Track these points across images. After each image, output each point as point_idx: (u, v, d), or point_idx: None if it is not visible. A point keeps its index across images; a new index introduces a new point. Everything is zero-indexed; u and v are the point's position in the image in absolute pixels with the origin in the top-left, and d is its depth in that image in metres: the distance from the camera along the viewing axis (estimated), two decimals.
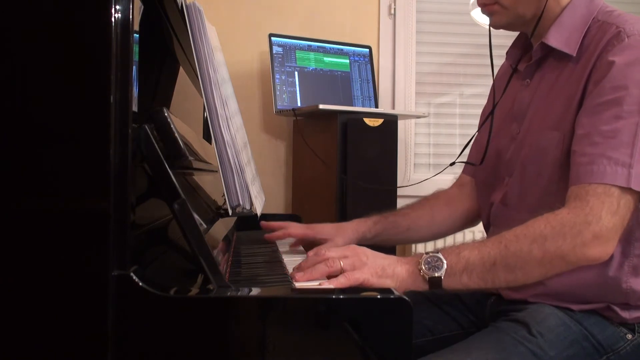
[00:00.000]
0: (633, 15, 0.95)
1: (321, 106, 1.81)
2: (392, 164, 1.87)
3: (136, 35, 0.66)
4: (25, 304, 0.63)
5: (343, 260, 0.86)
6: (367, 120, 1.82)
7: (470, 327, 1.11)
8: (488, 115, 1.13)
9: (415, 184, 1.71)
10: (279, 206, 2.33)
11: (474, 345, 0.91)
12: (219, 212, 1.12)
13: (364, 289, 0.82)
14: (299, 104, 2.11)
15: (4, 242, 0.62)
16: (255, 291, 0.71)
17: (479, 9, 1.08)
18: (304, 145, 2.03)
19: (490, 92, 1.20)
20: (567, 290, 0.96)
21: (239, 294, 0.69)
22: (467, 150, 1.25)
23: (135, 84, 0.66)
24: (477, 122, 1.29)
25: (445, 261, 0.86)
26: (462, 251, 0.87)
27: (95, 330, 0.63)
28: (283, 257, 1.10)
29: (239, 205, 0.82)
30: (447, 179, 1.34)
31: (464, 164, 1.26)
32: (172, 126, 0.76)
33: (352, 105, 2.20)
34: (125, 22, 0.64)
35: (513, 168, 1.04)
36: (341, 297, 0.68)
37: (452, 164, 1.22)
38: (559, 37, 0.99)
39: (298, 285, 0.86)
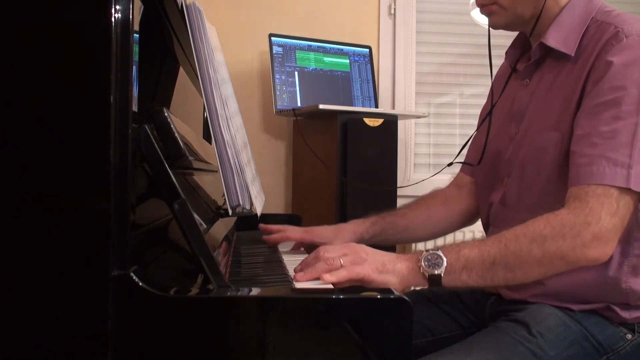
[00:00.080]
0: (632, 15, 0.95)
1: (321, 106, 1.81)
2: (392, 164, 1.87)
3: (136, 35, 0.66)
4: (26, 304, 0.63)
5: (343, 258, 0.86)
6: (367, 120, 1.82)
7: (470, 327, 1.11)
8: (486, 116, 1.13)
9: (415, 183, 1.71)
10: (279, 206, 2.33)
11: (474, 345, 0.91)
12: (219, 212, 1.12)
13: (364, 289, 0.82)
14: (299, 104, 2.11)
15: (4, 242, 0.62)
16: (255, 291, 0.71)
17: (478, 9, 1.08)
18: (304, 145, 2.02)
19: (490, 92, 1.20)
20: (567, 290, 0.96)
21: (239, 294, 0.69)
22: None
23: (135, 84, 0.66)
24: (477, 122, 1.29)
25: (445, 259, 0.86)
26: (462, 249, 0.87)
27: (95, 330, 0.63)
28: (283, 257, 1.10)
29: (239, 205, 0.82)
30: (446, 179, 1.34)
31: (465, 162, 1.26)
32: (172, 126, 0.76)
33: (352, 105, 2.20)
34: (125, 22, 0.64)
35: (512, 168, 1.04)
36: (341, 297, 0.68)
37: (450, 164, 1.23)
38: (558, 37, 0.99)
39: (298, 285, 0.86)
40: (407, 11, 2.40)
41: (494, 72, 1.22)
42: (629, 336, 0.94)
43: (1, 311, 0.63)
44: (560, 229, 0.85)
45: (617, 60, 0.89)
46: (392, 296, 0.68)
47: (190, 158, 0.81)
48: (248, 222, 1.42)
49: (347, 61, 2.25)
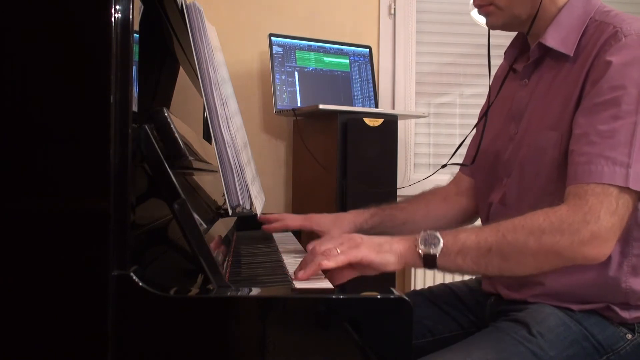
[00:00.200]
0: (630, 15, 0.95)
1: (321, 106, 1.81)
2: (392, 164, 1.87)
3: (136, 35, 0.66)
4: (26, 304, 0.63)
5: (339, 247, 0.87)
6: (367, 120, 1.82)
7: (470, 327, 1.11)
8: (482, 116, 1.13)
9: (414, 183, 1.71)
10: (279, 206, 2.33)
11: (474, 345, 0.91)
12: (219, 212, 1.12)
13: (364, 289, 0.82)
14: (299, 104, 2.11)
15: (4, 242, 0.62)
16: (255, 291, 0.71)
17: None
18: (303, 146, 2.03)
19: (489, 92, 1.20)
20: (567, 290, 0.96)
21: (239, 294, 0.69)
22: (461, 151, 1.26)
23: (135, 84, 0.66)
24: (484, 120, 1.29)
25: (441, 240, 0.87)
26: (460, 234, 0.88)
27: (95, 330, 0.63)
28: (283, 257, 1.10)
29: (239, 205, 0.82)
30: (447, 179, 1.34)
31: (462, 163, 1.26)
32: (172, 126, 0.76)
33: (352, 105, 2.20)
34: (125, 22, 0.64)
35: (511, 168, 1.04)
36: (341, 297, 0.68)
37: (444, 166, 1.24)
38: (557, 37, 0.99)
39: (298, 285, 0.86)
40: (407, 11, 2.40)
41: (494, 72, 1.22)
42: (629, 336, 0.94)
43: (1, 311, 0.63)
44: (559, 224, 0.85)
45: (616, 59, 0.89)
46: (392, 296, 0.68)
47: (190, 158, 0.81)
48: (248, 222, 1.42)
49: (347, 61, 2.25)
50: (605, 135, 0.87)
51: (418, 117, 2.13)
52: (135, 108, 0.66)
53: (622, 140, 0.86)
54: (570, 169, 0.90)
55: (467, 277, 1.25)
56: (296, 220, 1.22)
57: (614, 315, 0.94)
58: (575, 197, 0.87)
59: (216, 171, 0.92)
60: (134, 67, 0.65)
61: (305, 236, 1.26)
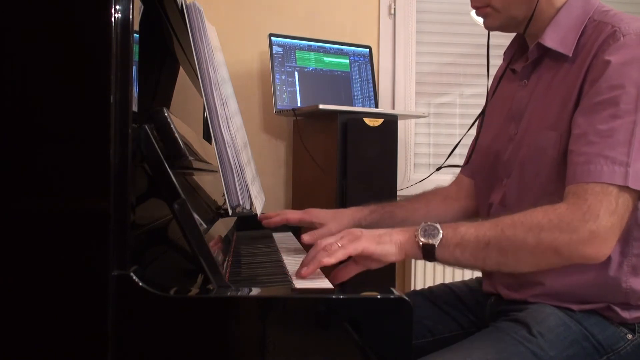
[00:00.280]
0: (629, 15, 0.95)
1: (321, 106, 1.81)
2: (392, 164, 1.87)
3: (136, 35, 0.66)
4: (26, 304, 0.63)
5: (340, 242, 0.88)
6: (367, 120, 1.82)
7: (470, 327, 1.11)
8: (478, 116, 1.13)
9: (414, 184, 1.71)
10: (279, 206, 2.33)
11: (474, 345, 0.91)
12: (219, 212, 1.12)
13: (364, 289, 0.82)
14: (299, 104, 2.11)
15: (4, 242, 0.62)
16: (255, 291, 0.71)
17: None
18: (303, 146, 2.03)
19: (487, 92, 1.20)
20: (567, 290, 0.96)
21: (239, 294, 0.69)
22: (456, 152, 1.26)
23: (135, 84, 0.66)
24: (480, 121, 1.29)
25: (441, 232, 0.88)
26: (459, 227, 0.89)
27: (95, 330, 0.63)
28: (283, 257, 1.10)
29: (239, 205, 0.82)
30: (447, 179, 1.34)
31: (461, 163, 1.27)
32: (172, 126, 0.76)
33: (352, 105, 2.20)
34: (125, 22, 0.64)
35: (511, 169, 1.04)
36: (341, 297, 0.68)
37: (439, 169, 1.24)
38: (555, 37, 0.99)
39: (298, 285, 0.86)
40: (407, 11, 2.40)
41: (494, 72, 1.22)
42: (630, 336, 0.94)
43: (1, 311, 0.63)
44: (558, 222, 0.85)
45: (615, 59, 0.89)
46: (392, 296, 0.68)
47: (190, 158, 0.81)
48: (248, 222, 1.42)
49: (347, 61, 2.25)
50: (604, 134, 0.87)
51: (418, 117, 2.13)
52: (135, 108, 0.66)
53: (621, 139, 0.86)
54: (570, 169, 0.90)
55: (467, 277, 1.25)
56: (295, 214, 1.23)
57: (615, 315, 0.94)
58: (575, 196, 0.87)
59: (216, 171, 0.92)
60: (134, 67, 0.65)
61: (304, 233, 1.26)
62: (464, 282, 1.21)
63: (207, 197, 1.10)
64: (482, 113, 1.12)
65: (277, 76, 2.10)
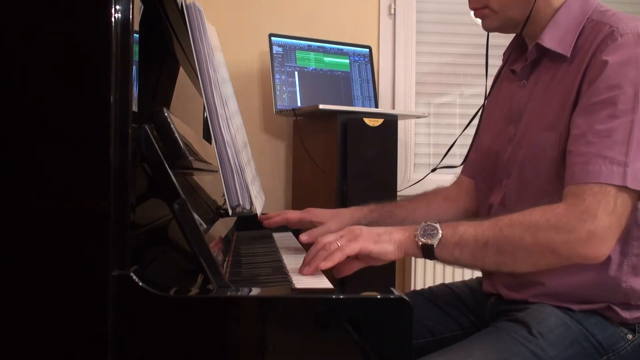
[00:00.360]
0: (627, 15, 0.95)
1: (321, 106, 1.81)
2: (392, 164, 1.87)
3: (136, 35, 0.66)
4: (26, 304, 0.63)
5: (339, 240, 0.90)
6: (367, 120, 1.82)
7: (470, 327, 1.11)
8: (474, 115, 1.14)
9: (414, 183, 1.71)
10: (279, 206, 2.33)
11: (474, 345, 0.91)
12: (219, 212, 1.12)
13: (364, 289, 0.82)
14: (299, 104, 2.11)
15: (4, 242, 0.62)
16: (255, 291, 0.71)
17: None
18: (303, 146, 2.03)
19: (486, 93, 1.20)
20: (568, 290, 0.96)
21: (239, 294, 0.69)
22: (457, 152, 1.27)
23: (135, 84, 0.66)
24: (476, 122, 1.30)
25: (440, 232, 0.89)
26: (459, 226, 0.90)
27: (95, 330, 0.63)
28: (283, 257, 1.10)
29: (239, 205, 0.82)
30: (449, 179, 1.34)
31: (453, 165, 1.28)
32: (172, 126, 0.76)
33: (352, 105, 2.20)
34: (125, 22, 0.64)
35: (511, 169, 1.04)
36: (341, 297, 0.68)
37: (434, 169, 1.25)
38: (554, 38, 0.99)
39: (298, 285, 0.86)
40: (407, 11, 2.40)
41: (494, 72, 1.22)
42: (630, 336, 0.94)
43: (1, 311, 0.63)
44: (555, 222, 0.85)
45: (613, 59, 0.89)
46: (392, 296, 0.68)
47: (190, 158, 0.81)
48: (248, 222, 1.42)
49: (347, 61, 2.25)
50: (603, 134, 0.87)
51: (418, 117, 2.13)
52: (135, 108, 0.66)
53: (619, 139, 0.86)
54: (569, 169, 0.90)
55: (467, 277, 1.25)
56: (295, 214, 1.24)
57: (615, 315, 0.94)
58: (573, 196, 0.87)
59: (216, 171, 0.92)
60: (134, 67, 0.65)
61: (304, 230, 1.26)
62: (464, 282, 1.21)
63: (207, 197, 1.10)
64: (477, 113, 1.12)
65: (277, 76, 2.10)
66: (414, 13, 2.41)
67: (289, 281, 0.88)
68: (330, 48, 2.23)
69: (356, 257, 0.91)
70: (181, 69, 1.13)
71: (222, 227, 1.08)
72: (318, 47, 2.21)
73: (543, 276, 0.96)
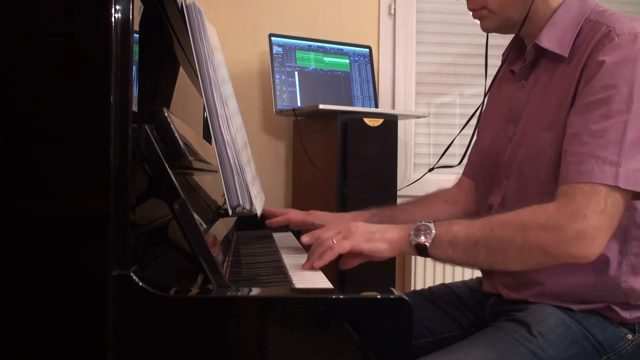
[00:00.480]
0: (625, 15, 0.95)
1: (321, 106, 1.81)
2: (392, 164, 1.87)
3: (136, 35, 0.66)
4: (26, 304, 0.63)
5: (335, 237, 0.94)
6: (367, 120, 1.82)
7: (470, 327, 1.11)
8: (472, 115, 1.14)
9: (413, 182, 1.71)
10: (279, 206, 2.33)
11: (474, 345, 0.91)
12: (219, 212, 1.12)
13: (364, 289, 0.82)
14: (299, 104, 2.11)
15: (4, 242, 0.62)
16: (255, 291, 0.71)
17: None
18: (303, 147, 2.03)
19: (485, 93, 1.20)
20: (568, 290, 0.96)
21: (239, 294, 0.69)
22: (457, 153, 1.27)
23: (135, 84, 0.66)
24: (475, 122, 1.30)
25: (434, 231, 0.91)
26: (452, 225, 0.92)
27: (95, 330, 0.63)
28: (283, 257, 1.10)
29: (239, 205, 0.82)
30: (449, 179, 1.35)
31: (463, 163, 1.28)
32: (172, 126, 0.76)
33: (352, 105, 2.20)
34: (125, 22, 0.64)
35: (511, 169, 1.04)
36: (341, 297, 0.68)
37: (431, 169, 1.25)
38: (552, 38, 0.99)
39: (298, 285, 0.86)
40: (407, 11, 2.40)
41: (494, 73, 1.22)
42: (630, 336, 0.94)
43: (1, 311, 0.63)
44: (545, 221, 0.86)
45: (609, 59, 0.89)
46: (392, 296, 0.68)
47: (190, 158, 0.81)
48: (248, 222, 1.42)
49: (347, 61, 2.25)
50: (596, 134, 0.87)
51: (418, 117, 2.13)
52: (135, 108, 0.66)
53: (612, 139, 0.86)
54: (562, 169, 0.90)
55: (467, 278, 1.25)
56: (298, 215, 1.27)
57: (615, 315, 0.94)
58: (565, 196, 0.87)
59: (216, 171, 0.92)
60: (134, 67, 0.65)
61: (306, 232, 1.27)
62: (464, 282, 1.21)
63: (207, 197, 1.10)
64: (475, 113, 1.12)
65: (277, 76, 2.10)
66: (414, 13, 2.41)
67: (289, 281, 0.88)
68: (330, 48, 2.23)
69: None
70: (181, 69, 1.13)
71: (222, 227, 1.08)
72: (318, 47, 2.21)
73: (543, 276, 0.96)
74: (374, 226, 0.96)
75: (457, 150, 1.48)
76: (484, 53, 1.18)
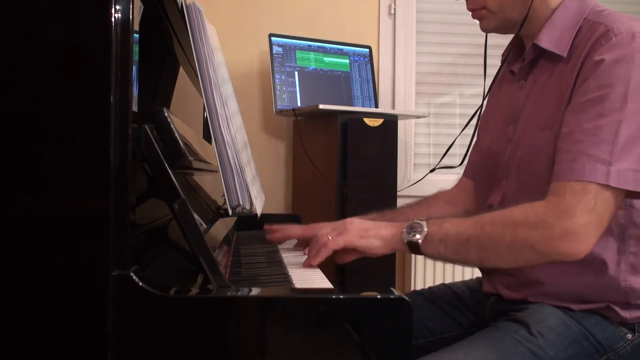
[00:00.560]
0: (623, 14, 0.95)
1: (321, 106, 1.81)
2: (392, 164, 1.87)
3: (136, 35, 0.66)
4: (26, 304, 0.63)
5: (331, 234, 0.97)
6: (367, 120, 1.82)
7: (470, 327, 1.11)
8: (472, 116, 1.14)
9: (414, 183, 1.71)
10: (279, 206, 2.33)
11: (474, 345, 0.91)
12: (219, 212, 1.12)
13: (364, 289, 0.82)
14: (299, 104, 2.11)
15: (4, 242, 0.62)
16: (255, 291, 0.71)
17: None
18: (303, 147, 2.03)
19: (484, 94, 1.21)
20: (567, 290, 0.96)
21: (239, 294, 0.69)
22: (457, 153, 1.27)
23: (135, 84, 0.66)
24: (476, 122, 1.30)
25: (426, 229, 0.92)
26: (444, 223, 0.93)
27: (95, 330, 0.63)
28: (283, 257, 1.10)
29: (239, 205, 0.82)
30: (450, 179, 1.35)
31: (464, 164, 1.28)
32: (172, 126, 0.76)
33: (352, 105, 2.20)
34: (125, 22, 0.64)
35: (510, 169, 1.04)
36: (341, 297, 0.68)
37: (432, 170, 1.26)
38: (550, 38, 0.99)
39: (298, 285, 0.86)
40: (407, 11, 2.40)
41: (493, 73, 1.22)
42: (629, 336, 0.94)
43: (1, 311, 0.63)
44: (534, 219, 0.86)
45: (606, 58, 0.89)
46: (392, 296, 0.68)
47: (190, 158, 0.81)
48: (248, 222, 1.42)
49: (347, 61, 2.25)
50: (590, 132, 0.87)
51: (418, 117, 2.13)
52: (135, 108, 0.66)
53: (605, 138, 0.86)
54: (556, 167, 0.90)
55: (467, 278, 1.25)
56: (297, 230, 1.27)
57: (614, 315, 0.94)
58: (555, 194, 0.87)
59: (216, 171, 0.92)
60: (134, 67, 0.65)
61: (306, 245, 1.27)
62: (464, 282, 1.21)
63: (207, 197, 1.10)
64: (476, 114, 1.12)
65: (277, 76, 2.10)
66: (414, 13, 2.41)
67: (289, 281, 0.88)
68: (330, 48, 2.23)
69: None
70: (181, 69, 1.13)
71: (222, 227, 1.08)
72: (318, 47, 2.21)
73: (543, 276, 0.97)
74: (369, 223, 0.98)
75: (458, 150, 1.48)
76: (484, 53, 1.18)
